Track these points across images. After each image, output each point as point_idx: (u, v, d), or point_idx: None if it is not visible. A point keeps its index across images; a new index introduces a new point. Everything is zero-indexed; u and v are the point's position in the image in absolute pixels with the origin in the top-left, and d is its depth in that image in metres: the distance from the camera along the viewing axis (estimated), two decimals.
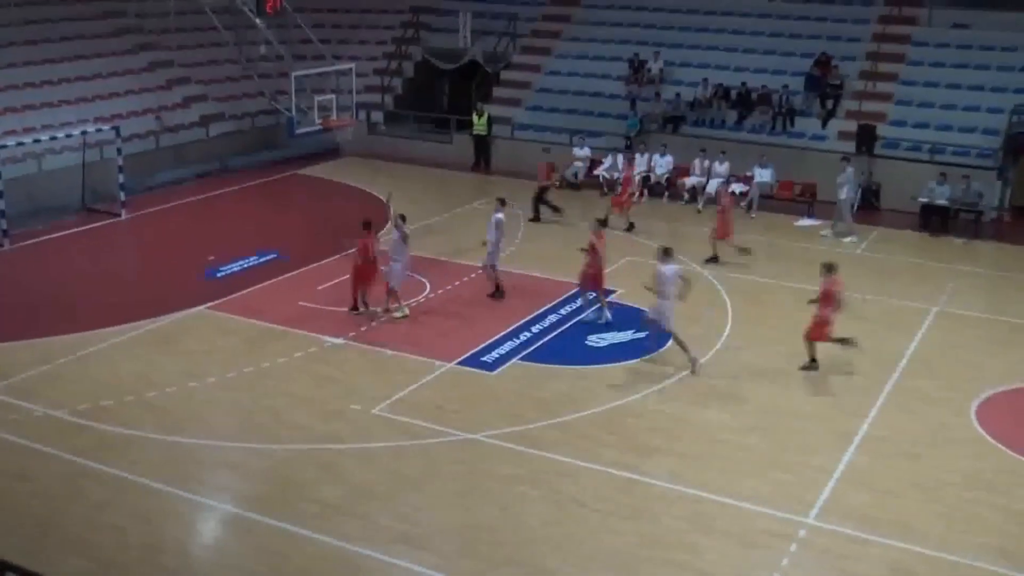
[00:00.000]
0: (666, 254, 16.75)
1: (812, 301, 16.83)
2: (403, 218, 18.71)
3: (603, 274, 18.78)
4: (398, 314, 18.60)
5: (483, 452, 14.07)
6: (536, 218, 25.12)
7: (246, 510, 12.62)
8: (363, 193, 27.52)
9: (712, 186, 26.85)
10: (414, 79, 34.93)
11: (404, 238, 18.50)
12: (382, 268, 18.64)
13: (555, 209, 25.35)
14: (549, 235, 23.84)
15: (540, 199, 25.42)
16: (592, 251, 18.58)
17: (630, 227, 24.18)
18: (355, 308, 18.67)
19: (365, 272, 18.54)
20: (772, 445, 14.44)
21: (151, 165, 28.11)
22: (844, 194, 24.37)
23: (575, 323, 18.63)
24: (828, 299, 16.46)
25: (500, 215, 19.63)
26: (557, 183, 25.94)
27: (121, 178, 25.16)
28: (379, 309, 18.65)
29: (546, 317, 18.88)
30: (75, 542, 11.92)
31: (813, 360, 16.78)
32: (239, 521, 12.50)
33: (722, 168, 27.07)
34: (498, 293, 19.72)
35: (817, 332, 16.62)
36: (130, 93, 29.61)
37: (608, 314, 18.65)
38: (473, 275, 20.06)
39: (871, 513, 12.75)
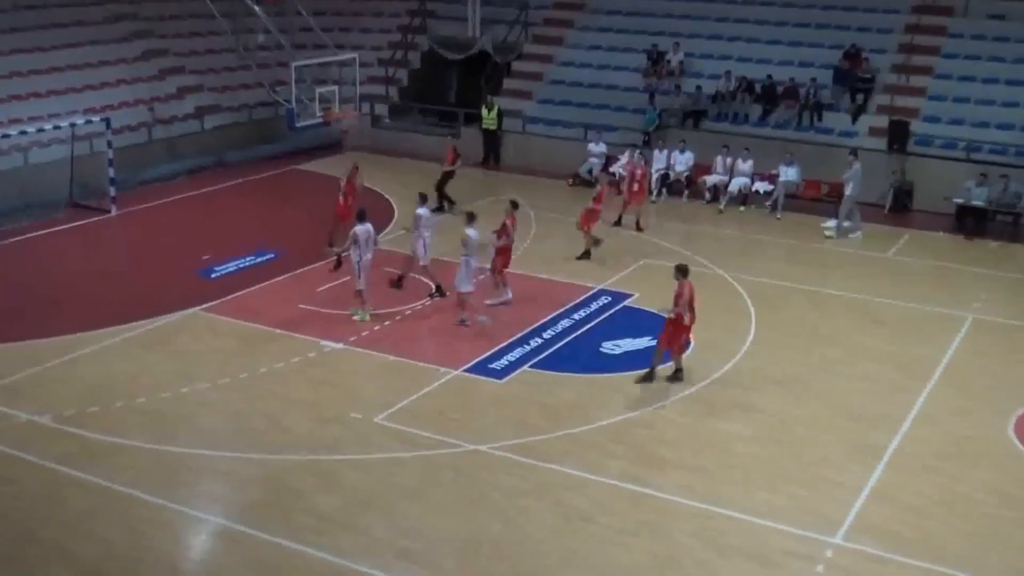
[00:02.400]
0: (470, 219, 18.81)
1: (663, 310, 16.59)
2: (361, 216, 18.81)
3: (510, 254, 19.75)
4: (357, 317, 18.71)
5: (487, 463, 14.17)
6: (440, 208, 25.05)
7: (237, 522, 12.75)
8: (366, 190, 27.60)
9: (735, 184, 26.93)
10: (420, 70, 35.06)
11: (355, 238, 18.51)
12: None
13: (449, 202, 25.50)
14: (559, 236, 23.88)
15: (441, 186, 25.55)
16: (503, 230, 19.33)
17: (618, 221, 24.42)
18: None
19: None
20: (792, 459, 14.50)
21: (143, 159, 28.26)
22: (849, 190, 24.47)
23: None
24: (678, 302, 16.22)
25: (421, 210, 19.94)
26: (458, 166, 26.00)
27: (111, 172, 25.34)
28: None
29: (558, 322, 18.97)
30: (58, 552, 12.08)
31: (674, 369, 16.66)
32: (229, 533, 12.62)
33: (745, 166, 27.10)
34: (437, 292, 19.84)
35: (675, 338, 16.38)
36: (122, 83, 29.80)
37: (506, 296, 19.62)
38: (482, 276, 20.11)
39: (899, 533, 12.76)
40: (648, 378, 16.48)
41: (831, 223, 24.78)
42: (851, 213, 24.76)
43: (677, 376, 16.64)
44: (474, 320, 18.61)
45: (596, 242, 22.33)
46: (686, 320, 16.30)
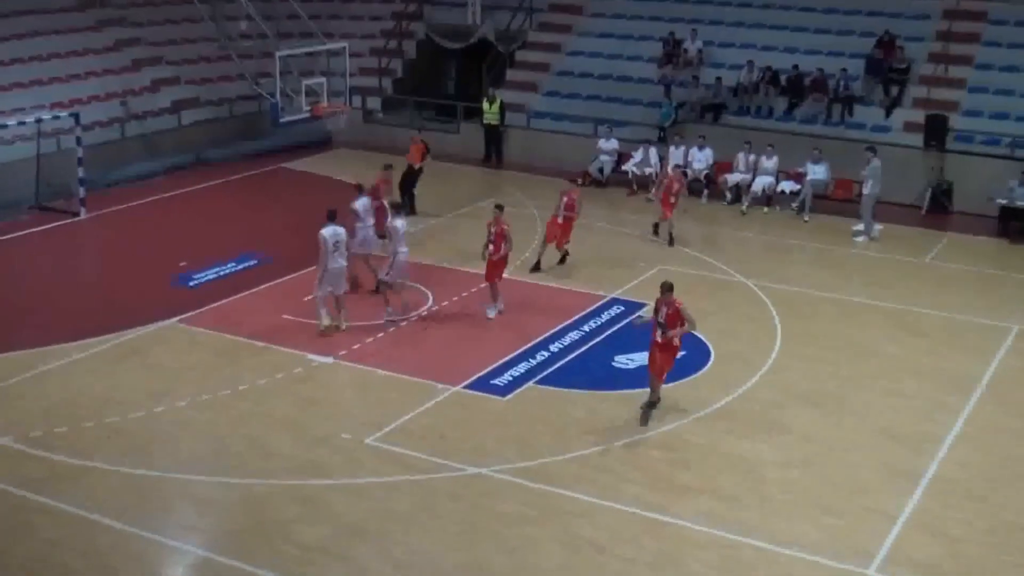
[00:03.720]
0: (399, 209, 19.78)
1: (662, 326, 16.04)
2: (332, 216, 18.60)
3: (506, 264, 19.81)
4: (344, 326, 18.74)
5: (489, 488, 14.13)
6: (410, 208, 24.92)
7: (216, 552, 12.70)
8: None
9: (759, 184, 26.87)
10: (416, 60, 35.19)
11: (322, 241, 18.25)
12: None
13: (410, 199, 25.34)
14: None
15: (408, 185, 25.47)
16: (498, 238, 19.31)
17: (670, 241, 23.95)
18: None
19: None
20: (822, 484, 14.44)
21: (115, 157, 28.32)
22: (868, 189, 24.50)
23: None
24: (673, 323, 15.70)
25: (357, 203, 20.11)
26: (427, 163, 25.99)
27: (81, 172, 25.37)
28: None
29: (566, 334, 18.96)
30: None
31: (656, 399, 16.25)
32: (208, 564, 12.57)
33: (770, 163, 27.11)
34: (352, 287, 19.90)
35: (668, 363, 15.99)
36: (91, 75, 29.90)
37: (501, 305, 19.62)
38: (483, 285, 20.10)
39: (939, 565, 12.69)
40: (653, 405, 16.18)
41: (860, 227, 24.76)
42: (865, 212, 24.71)
43: (653, 406, 16.11)
44: (399, 306, 19.13)
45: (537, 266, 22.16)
46: (676, 341, 15.87)
